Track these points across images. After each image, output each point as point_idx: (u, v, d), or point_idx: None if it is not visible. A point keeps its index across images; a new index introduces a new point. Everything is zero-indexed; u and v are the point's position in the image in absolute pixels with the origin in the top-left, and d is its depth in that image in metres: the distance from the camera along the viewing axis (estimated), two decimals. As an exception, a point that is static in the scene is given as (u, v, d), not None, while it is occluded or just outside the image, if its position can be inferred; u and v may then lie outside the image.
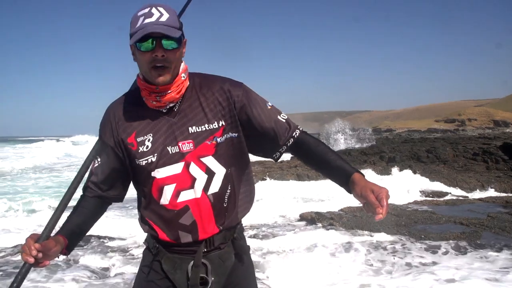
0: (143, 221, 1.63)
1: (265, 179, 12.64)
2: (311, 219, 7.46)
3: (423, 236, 6.29)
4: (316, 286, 4.39)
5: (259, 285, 1.76)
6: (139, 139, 1.54)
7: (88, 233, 1.67)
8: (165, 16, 1.46)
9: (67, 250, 1.52)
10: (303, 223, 7.46)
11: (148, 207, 1.59)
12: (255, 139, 1.61)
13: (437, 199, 10.09)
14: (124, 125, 1.56)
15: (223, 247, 1.59)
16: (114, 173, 1.59)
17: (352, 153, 17.75)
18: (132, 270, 4.87)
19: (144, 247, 1.70)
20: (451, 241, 5.94)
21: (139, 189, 1.63)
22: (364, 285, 4.36)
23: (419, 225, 7.03)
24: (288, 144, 1.62)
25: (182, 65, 1.55)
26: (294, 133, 1.62)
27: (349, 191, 1.52)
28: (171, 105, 1.53)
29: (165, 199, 1.54)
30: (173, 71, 1.49)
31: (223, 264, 1.58)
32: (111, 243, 6.18)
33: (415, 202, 9.65)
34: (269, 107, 1.63)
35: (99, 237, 6.35)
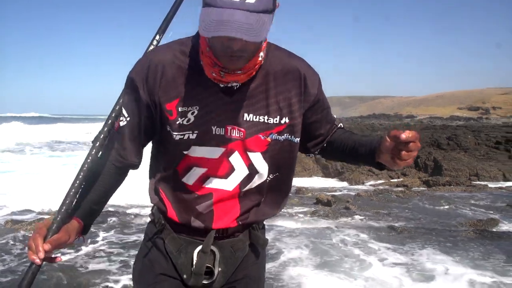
0: (154, 190, 1.41)
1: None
2: (327, 201, 7.50)
3: (439, 222, 6.28)
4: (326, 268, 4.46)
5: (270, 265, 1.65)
6: (181, 109, 1.25)
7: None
8: None
9: (82, 235, 1.29)
10: (319, 206, 7.51)
11: (166, 179, 1.37)
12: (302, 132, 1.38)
13: (455, 186, 10.00)
14: (167, 87, 1.25)
15: (237, 235, 1.40)
16: (143, 136, 1.33)
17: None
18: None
19: (149, 219, 1.50)
20: (467, 228, 5.93)
21: (160, 155, 1.37)
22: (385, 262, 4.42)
23: (435, 211, 7.02)
24: (325, 145, 1.45)
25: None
26: (333, 131, 1.45)
27: (377, 164, 1.31)
28: (234, 84, 1.24)
29: (189, 179, 1.33)
30: (251, 57, 1.18)
31: (233, 254, 1.40)
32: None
33: (432, 189, 9.59)
34: (329, 108, 1.42)
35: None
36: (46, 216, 6.26)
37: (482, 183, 10.74)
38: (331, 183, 11.64)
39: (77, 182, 1.22)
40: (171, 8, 1.43)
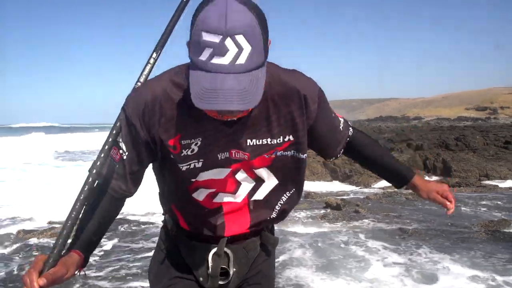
0: (165, 203, 1.46)
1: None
2: (337, 205, 7.48)
3: (450, 223, 6.24)
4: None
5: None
6: (184, 142, 1.24)
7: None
8: (245, 54, 1.01)
9: (82, 267, 1.24)
10: (328, 209, 7.49)
11: (176, 195, 1.39)
12: (312, 143, 1.41)
13: (465, 187, 9.94)
14: (167, 125, 1.23)
15: (248, 237, 1.45)
16: (143, 169, 1.33)
17: (378, 141, 17.57)
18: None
19: (161, 225, 1.55)
20: (478, 228, 5.89)
21: (167, 179, 1.38)
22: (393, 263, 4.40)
23: (444, 212, 6.96)
24: (342, 151, 1.51)
25: None
26: (347, 137, 1.50)
27: (399, 187, 1.63)
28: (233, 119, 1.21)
29: (199, 196, 1.35)
30: None
31: (246, 255, 1.45)
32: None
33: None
34: (333, 114, 1.45)
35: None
36: (57, 226, 6.30)
37: (492, 183, 10.66)
38: (340, 186, 11.61)
39: (74, 213, 1.16)
40: (168, 24, 1.34)
